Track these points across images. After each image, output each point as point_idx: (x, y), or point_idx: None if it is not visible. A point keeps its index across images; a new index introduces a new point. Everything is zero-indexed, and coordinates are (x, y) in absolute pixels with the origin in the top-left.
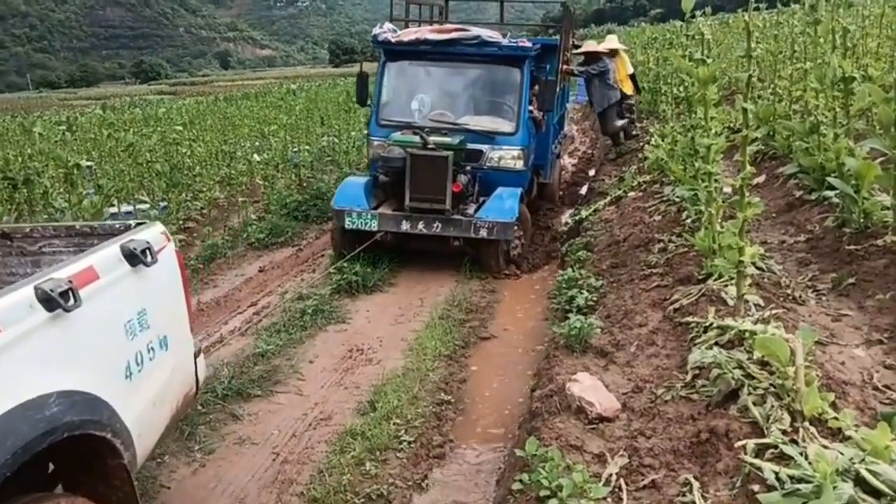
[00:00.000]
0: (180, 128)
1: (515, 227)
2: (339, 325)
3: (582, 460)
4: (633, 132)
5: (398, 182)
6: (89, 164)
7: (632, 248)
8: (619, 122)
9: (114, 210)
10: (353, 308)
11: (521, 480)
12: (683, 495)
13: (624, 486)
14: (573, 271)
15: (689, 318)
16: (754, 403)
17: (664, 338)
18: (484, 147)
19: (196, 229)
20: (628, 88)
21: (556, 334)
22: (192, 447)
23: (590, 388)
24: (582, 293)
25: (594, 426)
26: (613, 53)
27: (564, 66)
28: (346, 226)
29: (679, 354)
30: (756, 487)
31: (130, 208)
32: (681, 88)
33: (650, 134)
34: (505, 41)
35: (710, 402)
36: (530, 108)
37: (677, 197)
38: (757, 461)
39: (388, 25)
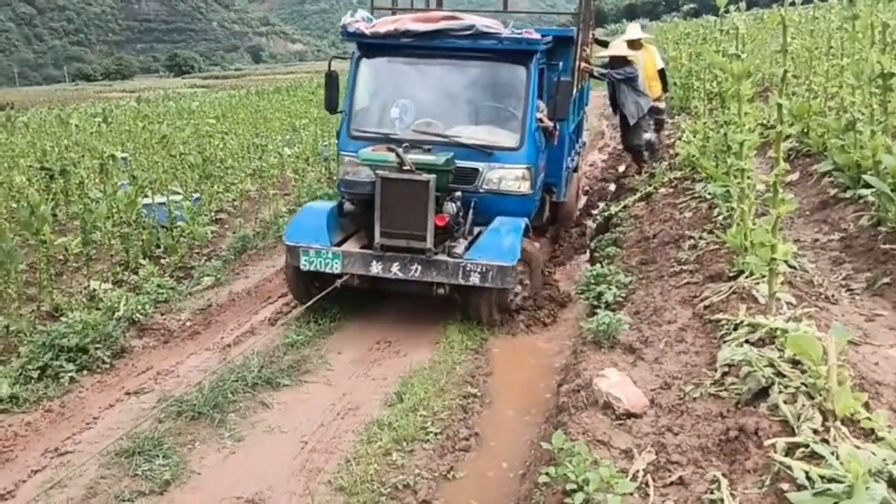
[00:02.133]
0: (213, 121)
1: (516, 272)
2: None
3: (609, 455)
4: (658, 147)
5: (367, 212)
6: (124, 155)
7: (661, 245)
8: (647, 135)
9: (147, 201)
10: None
11: (547, 474)
12: (711, 492)
13: (651, 483)
14: (602, 267)
15: (720, 316)
16: (785, 402)
17: (693, 335)
18: (480, 165)
19: (228, 221)
20: (657, 88)
21: (584, 329)
22: (223, 434)
23: (617, 383)
24: (610, 289)
25: (621, 422)
26: (638, 46)
27: (583, 65)
28: (302, 266)
29: (708, 352)
30: (786, 486)
31: (164, 199)
32: (714, 84)
33: (681, 130)
34: (506, 32)
35: (739, 399)
36: (538, 115)
37: (709, 193)
38: (787, 460)
39: (361, 13)
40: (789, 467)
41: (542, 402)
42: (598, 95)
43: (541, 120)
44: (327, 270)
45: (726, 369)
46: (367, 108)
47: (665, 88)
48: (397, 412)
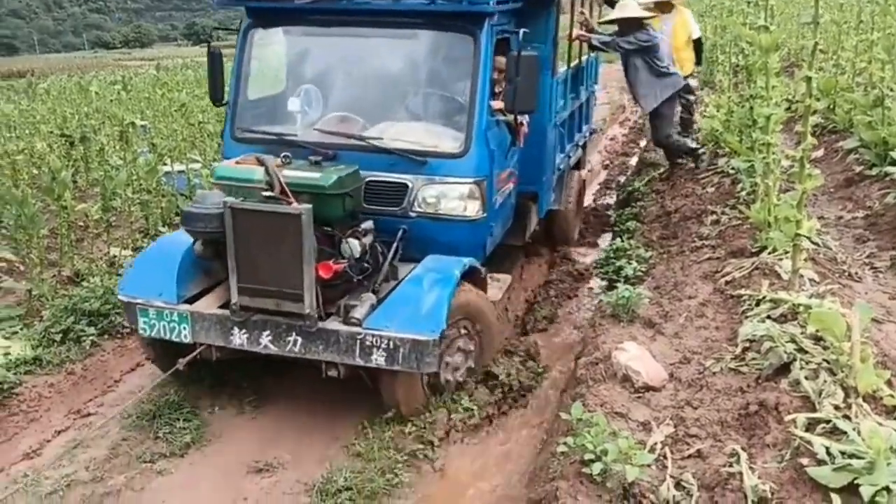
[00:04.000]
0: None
1: (439, 348)
2: None
3: (627, 428)
4: (696, 146)
5: (222, 258)
6: (143, 123)
7: (683, 220)
8: (675, 134)
9: (167, 169)
10: None
11: (566, 443)
12: (730, 465)
13: (669, 455)
14: (622, 241)
15: (742, 291)
16: (806, 378)
17: (714, 310)
18: (409, 179)
19: None
20: (688, 64)
21: (603, 303)
22: (243, 399)
23: (636, 357)
24: (630, 263)
25: (640, 395)
26: (667, 7)
27: (578, 31)
28: (140, 331)
29: (729, 327)
30: (805, 461)
31: (183, 167)
32: (739, 58)
33: (705, 105)
34: None
35: (760, 375)
36: (494, 104)
37: (732, 168)
38: (807, 435)
39: None
40: (809, 442)
41: None
42: (615, 69)
43: (500, 111)
44: (174, 338)
45: (747, 345)
46: (259, 96)
47: (698, 61)
48: None
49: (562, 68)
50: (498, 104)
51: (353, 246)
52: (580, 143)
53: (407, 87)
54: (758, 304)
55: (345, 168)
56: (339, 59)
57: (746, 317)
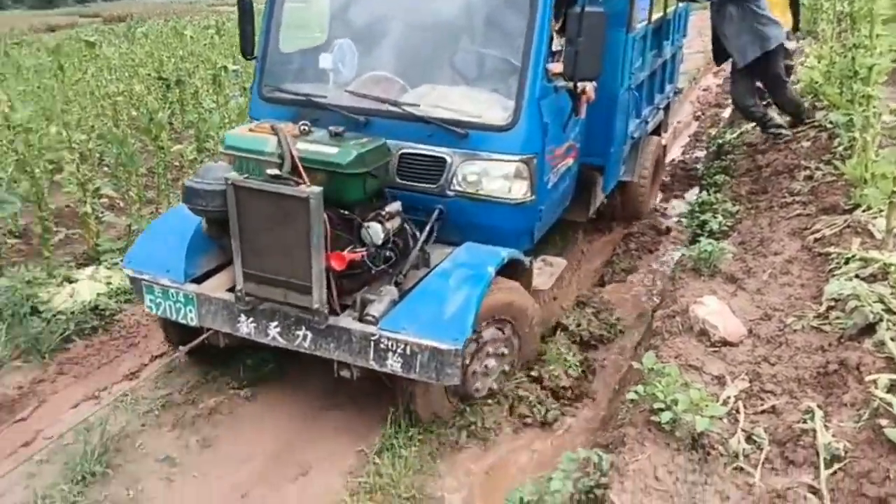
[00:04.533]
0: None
1: (462, 358)
2: None
3: (700, 381)
4: (780, 124)
5: (228, 239)
6: (235, 67)
7: (774, 175)
8: (755, 106)
9: None
10: None
11: (636, 392)
12: (804, 422)
13: (742, 409)
14: (708, 195)
15: (830, 249)
16: (892, 339)
17: (800, 267)
18: (447, 153)
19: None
20: (786, 19)
21: (684, 257)
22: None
23: (715, 311)
24: (716, 217)
25: (716, 349)
26: None
27: None
28: (147, 308)
29: (815, 285)
30: (884, 422)
31: None
32: (845, 3)
33: (805, 55)
34: None
35: (843, 334)
36: (552, 67)
37: (830, 122)
38: (889, 396)
39: None
40: (890, 404)
41: None
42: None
43: (560, 75)
44: (179, 320)
45: (832, 303)
46: (290, 53)
47: (796, 26)
48: None
49: (641, 22)
50: (556, 67)
51: (375, 232)
52: (661, 106)
53: (453, 44)
54: (846, 263)
55: (369, 142)
56: (381, 8)
57: (833, 275)
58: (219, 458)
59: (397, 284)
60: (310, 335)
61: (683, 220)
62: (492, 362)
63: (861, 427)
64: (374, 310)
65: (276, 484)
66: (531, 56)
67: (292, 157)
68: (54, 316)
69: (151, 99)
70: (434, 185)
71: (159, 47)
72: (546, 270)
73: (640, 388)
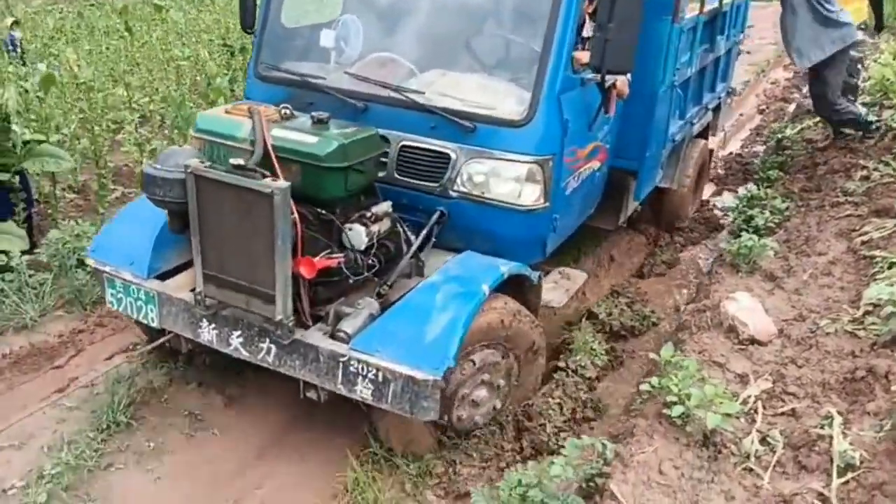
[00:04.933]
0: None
1: (440, 391)
2: None
3: (722, 378)
4: (873, 118)
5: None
6: None
7: (830, 173)
8: (842, 101)
9: None
10: None
11: (650, 383)
12: (822, 427)
13: (760, 409)
14: (759, 190)
15: (876, 253)
16: None
17: (843, 269)
18: (452, 149)
19: None
20: (859, 10)
21: (724, 251)
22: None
23: (746, 308)
24: (763, 213)
25: (743, 347)
26: None
27: None
28: (108, 303)
29: (855, 289)
30: None
31: None
32: None
33: (879, 51)
34: None
35: (876, 341)
36: (579, 56)
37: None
38: None
39: None
40: None
41: None
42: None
43: (580, 62)
44: (140, 319)
45: (870, 308)
46: (292, 28)
47: (879, 25)
48: None
49: (692, 12)
50: (585, 56)
51: (357, 235)
52: (710, 106)
53: (470, 24)
54: (890, 268)
55: (356, 131)
56: None
57: (875, 279)
58: (241, 416)
59: (380, 296)
60: (274, 349)
61: (731, 213)
62: (482, 393)
63: (881, 437)
64: (349, 325)
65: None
66: (553, 42)
67: (265, 144)
68: None
69: (212, 64)
70: (436, 184)
71: (227, 14)
72: (562, 285)
73: (654, 379)
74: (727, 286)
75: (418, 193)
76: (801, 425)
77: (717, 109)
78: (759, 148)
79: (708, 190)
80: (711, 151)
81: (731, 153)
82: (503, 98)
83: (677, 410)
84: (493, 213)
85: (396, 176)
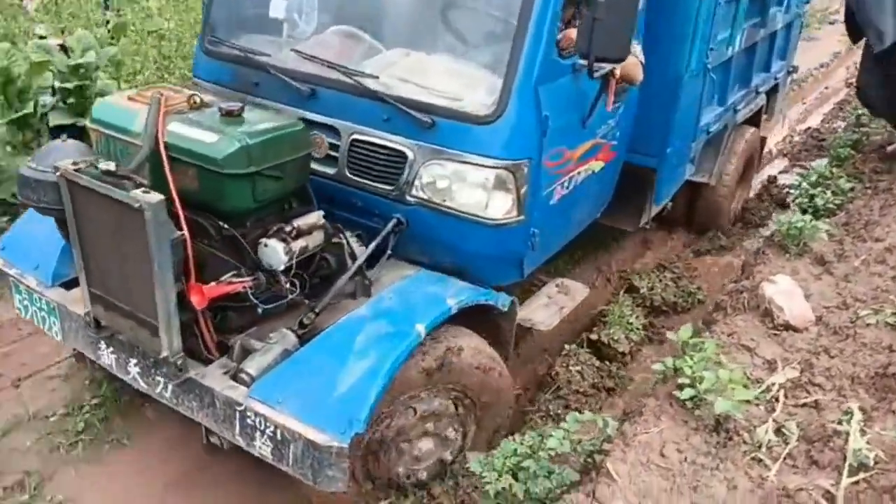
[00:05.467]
0: None
1: (347, 458)
2: None
3: (749, 363)
4: None
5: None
6: None
7: None
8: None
9: None
10: None
11: (663, 363)
12: (840, 423)
13: (782, 398)
14: (825, 168)
15: None
16: None
17: None
18: (407, 145)
19: None
20: None
21: (775, 230)
22: None
23: (785, 292)
24: (825, 193)
25: (776, 332)
26: None
27: None
28: (16, 308)
29: None
30: None
31: None
32: None
33: None
34: None
35: None
36: (570, 34)
37: None
38: None
39: None
40: None
41: None
42: None
43: (564, 50)
44: (46, 331)
45: None
46: None
47: None
48: None
49: None
50: (575, 34)
51: (272, 253)
52: (761, 90)
53: (436, 6)
54: None
55: (271, 128)
56: None
57: None
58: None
59: (303, 326)
60: (170, 387)
61: (793, 191)
62: (427, 445)
63: None
64: (253, 365)
65: None
66: (531, 16)
67: (154, 142)
68: None
69: None
70: (391, 188)
71: None
72: (557, 302)
73: (668, 360)
74: (772, 268)
75: (373, 197)
76: (820, 418)
77: (773, 91)
78: (840, 124)
79: (779, 164)
80: (763, 140)
81: (808, 127)
82: (472, 87)
83: (687, 393)
84: (456, 226)
85: (347, 174)
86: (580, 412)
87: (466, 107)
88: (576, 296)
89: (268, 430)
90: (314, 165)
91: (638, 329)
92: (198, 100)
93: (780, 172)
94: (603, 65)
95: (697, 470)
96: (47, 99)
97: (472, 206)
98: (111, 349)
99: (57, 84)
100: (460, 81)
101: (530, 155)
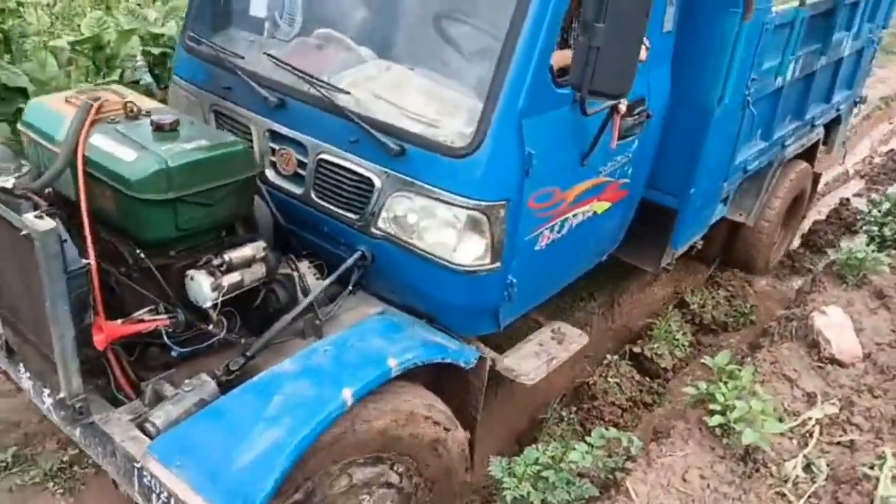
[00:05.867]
0: None
1: None
2: None
3: (788, 394)
4: None
5: None
6: None
7: None
8: None
9: None
10: None
11: (696, 387)
12: (871, 467)
13: (817, 434)
14: None
15: None
16: None
17: None
18: (374, 172)
19: None
20: None
21: (834, 259)
22: None
23: (836, 325)
24: (895, 224)
25: (821, 366)
26: None
27: None
28: None
29: None
30: None
31: None
32: None
33: None
34: None
35: None
36: (560, 58)
37: None
38: None
39: None
40: None
41: None
42: None
43: (555, 69)
44: None
45: None
46: None
47: None
48: None
49: (784, 4)
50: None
51: (199, 288)
52: (818, 122)
53: (432, 13)
54: None
55: (205, 147)
56: None
57: None
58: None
59: (229, 372)
60: (80, 428)
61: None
62: None
63: None
64: (161, 416)
65: None
66: (518, 38)
67: (73, 155)
68: None
69: None
70: (356, 216)
71: None
72: (548, 351)
73: (701, 384)
74: (826, 297)
75: (339, 224)
76: (853, 460)
77: (834, 123)
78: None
79: (855, 185)
80: (817, 177)
81: (891, 149)
82: (452, 113)
83: (717, 420)
84: (422, 268)
85: (313, 197)
86: (608, 428)
87: (440, 136)
88: (570, 345)
89: (162, 496)
90: (281, 183)
91: (684, 346)
92: (135, 108)
93: (855, 195)
94: (599, 100)
95: (718, 499)
96: (139, 62)
97: (439, 248)
98: (28, 374)
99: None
100: (440, 105)
101: (508, 196)
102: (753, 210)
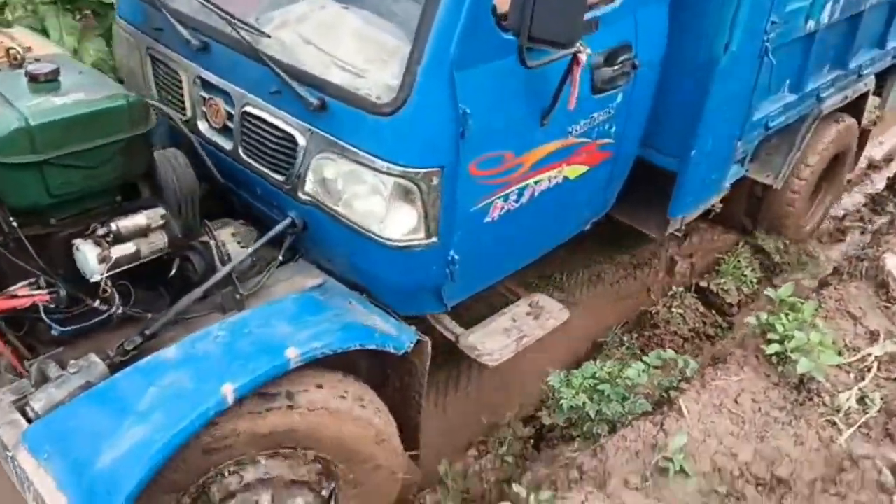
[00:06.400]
0: None
1: None
2: None
3: (851, 330)
4: None
5: None
6: None
7: None
8: None
9: None
10: None
11: (757, 317)
12: None
13: (874, 370)
14: None
15: None
16: None
17: None
18: (298, 128)
19: None
20: None
21: None
22: None
23: None
24: None
25: (887, 305)
26: None
27: None
28: None
29: None
30: None
31: None
32: None
33: None
34: None
35: None
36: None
37: None
38: None
39: None
40: None
41: None
42: None
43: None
44: None
45: None
46: None
47: None
48: None
49: None
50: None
51: (85, 260)
52: (866, 71)
53: None
54: None
55: (77, 102)
56: None
57: None
58: None
59: (124, 352)
60: None
61: None
62: None
63: None
64: (41, 399)
65: None
66: None
67: None
68: None
69: None
70: (283, 178)
71: None
72: (520, 327)
73: (762, 314)
74: None
75: (269, 186)
76: None
77: (889, 72)
78: None
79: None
80: (866, 133)
81: None
82: (382, 61)
83: (774, 348)
84: (354, 240)
85: (241, 154)
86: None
87: (363, 89)
88: (547, 321)
89: (30, 489)
90: (212, 136)
91: (752, 282)
92: (18, 55)
93: None
94: (544, 48)
95: (769, 422)
96: None
97: (366, 219)
98: None
99: None
100: (373, 51)
101: (441, 162)
102: (782, 170)
